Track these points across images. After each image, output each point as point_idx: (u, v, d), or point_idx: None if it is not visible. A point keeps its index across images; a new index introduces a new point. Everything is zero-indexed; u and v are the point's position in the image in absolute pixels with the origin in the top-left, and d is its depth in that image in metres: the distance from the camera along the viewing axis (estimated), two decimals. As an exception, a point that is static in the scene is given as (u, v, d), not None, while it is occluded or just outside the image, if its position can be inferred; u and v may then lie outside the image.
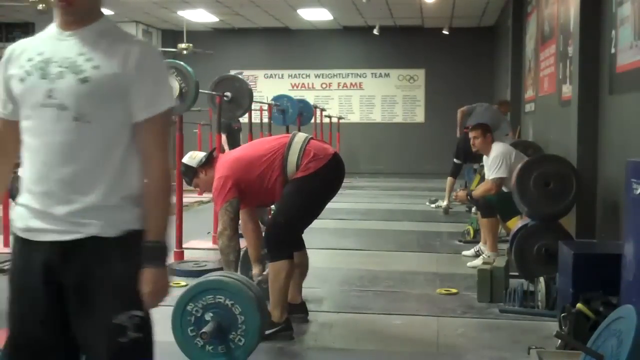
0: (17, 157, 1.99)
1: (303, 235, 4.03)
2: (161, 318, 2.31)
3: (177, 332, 3.21)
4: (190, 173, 4.08)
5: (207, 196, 9.41)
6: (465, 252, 6.09)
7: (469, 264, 5.65)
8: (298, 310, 4.05)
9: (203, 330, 3.12)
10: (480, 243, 5.96)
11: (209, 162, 4.02)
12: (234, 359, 3.17)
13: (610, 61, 4.96)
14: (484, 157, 5.99)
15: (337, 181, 3.95)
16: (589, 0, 5.44)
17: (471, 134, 5.97)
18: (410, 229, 7.84)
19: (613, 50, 4.88)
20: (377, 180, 14.15)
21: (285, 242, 3.77)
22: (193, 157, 4.08)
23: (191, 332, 3.20)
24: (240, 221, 4.02)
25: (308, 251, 6.22)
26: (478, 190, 5.89)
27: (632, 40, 4.45)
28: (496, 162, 5.65)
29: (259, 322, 3.20)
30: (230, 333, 3.17)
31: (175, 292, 2.99)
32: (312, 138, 3.92)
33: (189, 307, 3.21)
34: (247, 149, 4.07)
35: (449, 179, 9.01)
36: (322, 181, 3.80)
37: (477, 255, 5.84)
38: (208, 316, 3.18)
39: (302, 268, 4.06)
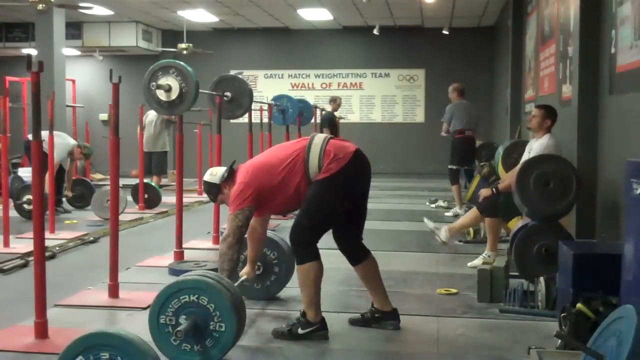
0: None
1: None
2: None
3: (163, 347, 3.21)
4: (214, 190, 4.02)
5: (206, 196, 9.40)
6: (470, 264, 5.88)
7: (469, 264, 5.65)
8: (390, 317, 4.01)
9: (177, 329, 3.14)
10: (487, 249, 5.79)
11: (230, 176, 3.97)
12: (222, 344, 3.21)
13: (610, 61, 4.95)
14: (531, 140, 5.75)
15: (362, 177, 3.86)
16: (589, 0, 5.44)
17: (533, 112, 5.67)
18: (410, 229, 7.84)
19: (613, 50, 4.88)
20: (377, 180, 14.08)
21: (310, 244, 3.76)
22: (214, 174, 4.02)
23: (175, 342, 3.21)
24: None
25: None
26: (505, 182, 5.58)
27: (632, 40, 4.45)
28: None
29: (227, 300, 3.22)
30: (210, 323, 3.20)
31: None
32: (331, 137, 3.86)
33: (162, 321, 3.23)
34: (267, 155, 4.00)
35: (454, 187, 8.94)
36: (346, 181, 3.74)
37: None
38: (182, 319, 3.20)
39: (370, 274, 4.03)
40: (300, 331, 3.74)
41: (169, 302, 3.23)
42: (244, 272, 4.19)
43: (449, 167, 9.06)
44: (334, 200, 3.78)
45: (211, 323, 3.21)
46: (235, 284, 3.92)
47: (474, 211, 5.87)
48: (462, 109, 9.00)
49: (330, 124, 11.06)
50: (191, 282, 3.27)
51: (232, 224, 3.75)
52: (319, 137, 3.85)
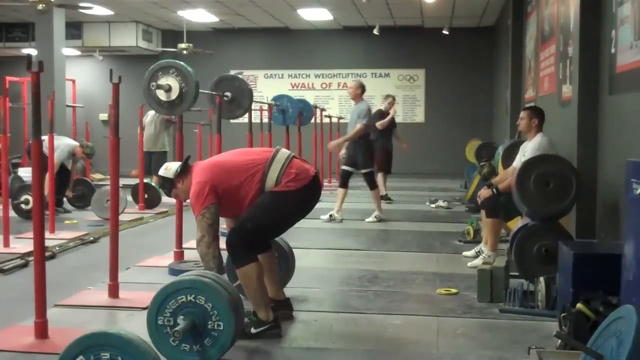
0: None
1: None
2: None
3: (162, 348, 3.19)
4: (168, 184, 4.03)
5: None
6: (465, 253, 6.08)
7: (469, 264, 5.65)
8: (282, 307, 4.10)
9: (175, 329, 3.14)
10: (482, 243, 5.94)
11: (184, 171, 3.98)
12: (221, 343, 3.21)
13: (610, 61, 4.95)
14: (525, 141, 5.72)
15: (313, 202, 4.00)
16: (589, 0, 5.44)
17: (520, 115, 5.65)
18: (410, 229, 7.84)
19: (613, 50, 4.88)
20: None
21: (250, 249, 3.79)
22: (168, 169, 4.03)
23: (174, 343, 3.21)
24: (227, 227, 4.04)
25: (308, 251, 6.21)
26: (505, 182, 5.55)
27: (632, 40, 4.45)
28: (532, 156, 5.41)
29: (225, 299, 3.22)
30: (208, 322, 3.20)
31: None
32: (294, 156, 3.92)
33: (160, 322, 3.22)
34: (228, 156, 4.02)
35: (375, 190, 8.24)
36: (299, 201, 3.85)
37: (477, 255, 5.83)
38: (180, 319, 3.19)
39: (272, 264, 4.10)
40: (253, 331, 3.73)
41: (166, 303, 3.22)
42: None
43: (371, 170, 8.31)
44: (283, 214, 3.86)
45: (209, 322, 3.20)
46: (235, 284, 3.93)
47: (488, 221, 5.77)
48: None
49: (375, 119, 9.93)
50: (188, 282, 3.27)
51: (202, 224, 3.74)
52: (283, 154, 3.88)
